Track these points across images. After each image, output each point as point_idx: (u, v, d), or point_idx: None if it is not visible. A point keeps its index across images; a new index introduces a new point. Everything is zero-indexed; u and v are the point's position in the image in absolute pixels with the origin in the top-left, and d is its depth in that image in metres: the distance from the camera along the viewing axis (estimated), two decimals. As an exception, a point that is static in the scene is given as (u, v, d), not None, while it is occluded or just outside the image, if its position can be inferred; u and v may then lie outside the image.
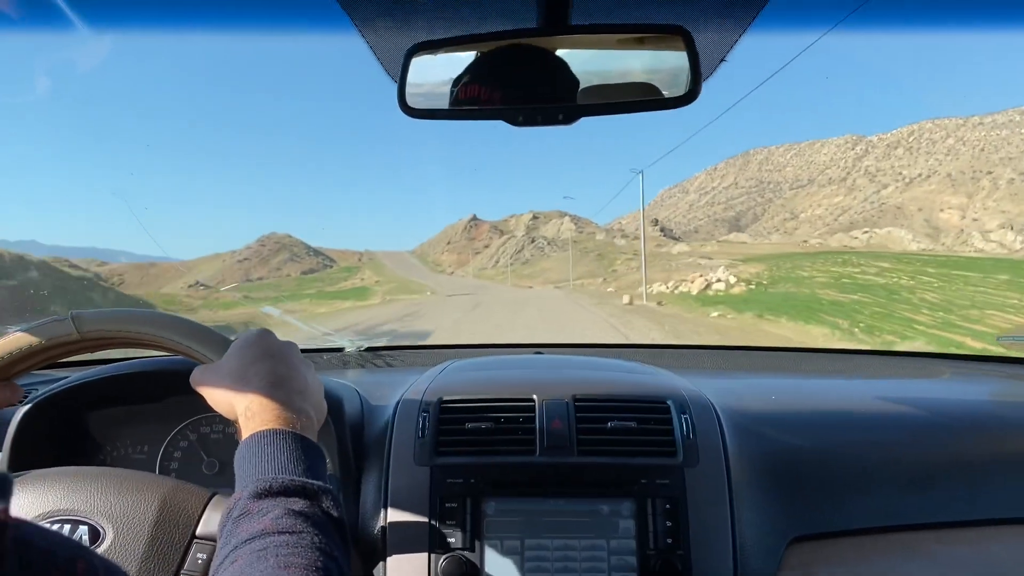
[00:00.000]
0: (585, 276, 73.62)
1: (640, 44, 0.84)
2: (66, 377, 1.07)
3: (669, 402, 1.06)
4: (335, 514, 0.61)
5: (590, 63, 0.84)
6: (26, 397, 1.02)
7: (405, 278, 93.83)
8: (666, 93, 0.82)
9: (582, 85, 0.83)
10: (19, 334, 0.78)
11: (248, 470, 0.61)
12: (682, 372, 1.26)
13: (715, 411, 1.07)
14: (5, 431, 0.98)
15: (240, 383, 0.67)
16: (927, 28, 1.07)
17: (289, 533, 0.55)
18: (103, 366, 1.09)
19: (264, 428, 0.63)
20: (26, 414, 0.99)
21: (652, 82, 0.84)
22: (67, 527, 0.71)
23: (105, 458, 1.12)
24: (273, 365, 0.69)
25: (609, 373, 1.22)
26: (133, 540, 0.70)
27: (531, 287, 69.92)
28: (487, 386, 1.12)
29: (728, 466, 1.00)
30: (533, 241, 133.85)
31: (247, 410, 0.65)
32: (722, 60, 1.01)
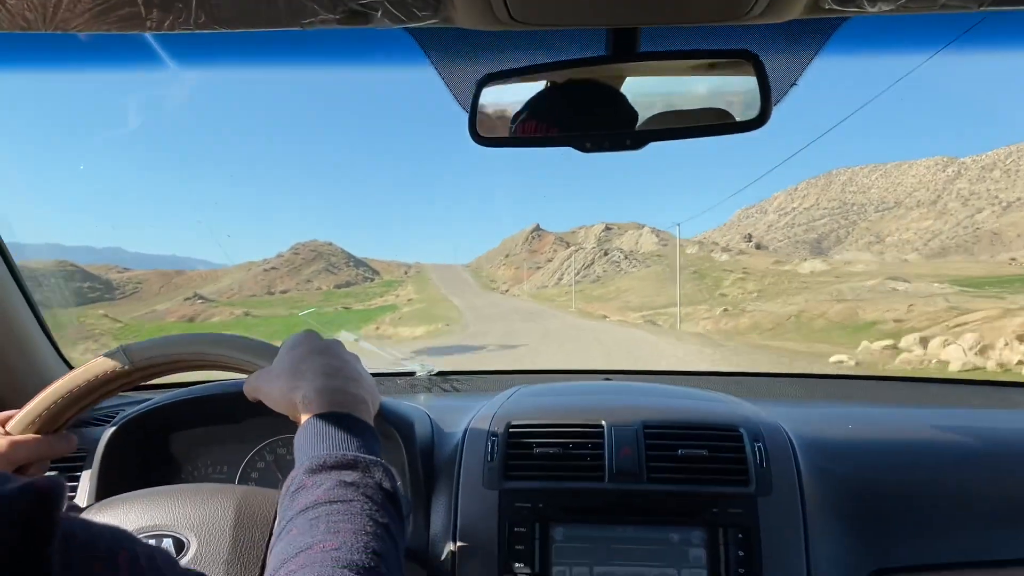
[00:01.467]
0: (683, 301, 47.57)
1: (709, 70, 0.84)
2: (149, 399, 1.12)
3: (742, 430, 1.05)
4: (387, 486, 0.62)
5: (658, 89, 0.84)
6: (112, 419, 1.08)
7: (443, 297, 74.86)
8: (736, 118, 0.82)
9: (650, 111, 0.84)
10: (74, 373, 0.82)
11: (304, 450, 0.64)
12: (757, 400, 1.24)
13: (789, 439, 1.05)
14: (94, 451, 1.04)
15: (295, 378, 0.70)
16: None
17: (341, 502, 0.57)
18: (183, 389, 1.14)
19: (320, 411, 0.66)
20: (112, 436, 1.04)
21: (721, 107, 0.84)
22: (152, 542, 0.73)
23: (186, 478, 1.17)
24: (325, 359, 0.72)
25: (680, 400, 1.21)
26: (217, 545, 0.74)
27: (606, 317, 43.59)
28: (555, 411, 1.12)
29: (803, 495, 0.98)
30: (606, 254, 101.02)
31: (303, 399, 0.68)
32: (792, 84, 1.00)
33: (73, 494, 1.04)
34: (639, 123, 0.84)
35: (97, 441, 1.05)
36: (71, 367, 1.38)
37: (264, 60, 1.03)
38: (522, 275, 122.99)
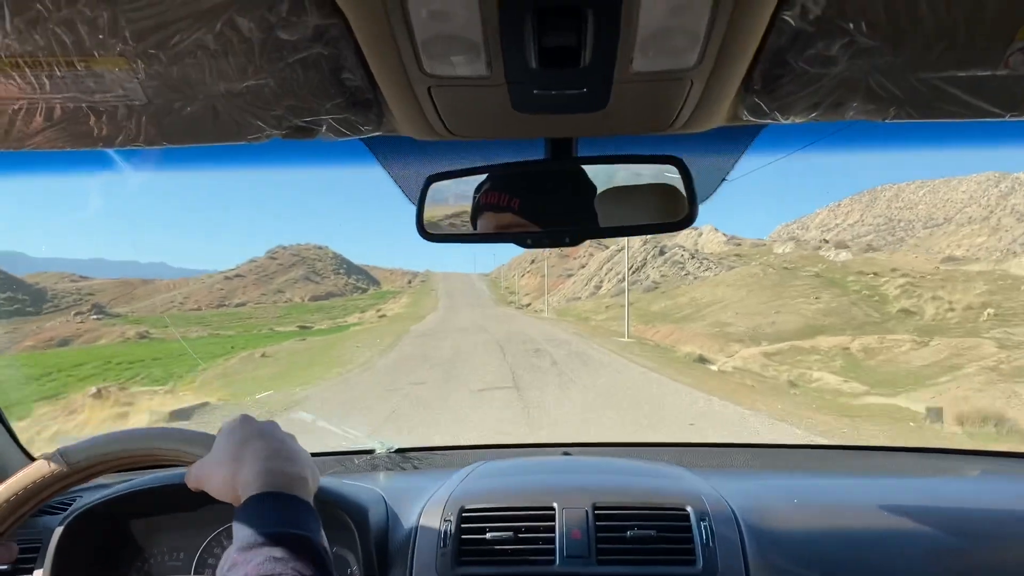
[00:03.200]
0: (831, 326, 28.00)
1: (641, 172, 0.89)
2: (107, 487, 1.13)
3: (689, 509, 1.07)
4: (317, 558, 0.64)
5: (593, 188, 0.89)
6: (67, 507, 1.10)
7: (418, 313, 55.61)
8: (665, 218, 0.86)
9: (587, 210, 0.88)
10: (9, 483, 0.80)
11: (240, 529, 0.65)
12: (707, 473, 1.28)
13: (736, 517, 1.08)
14: (47, 543, 1.04)
15: (234, 465, 0.71)
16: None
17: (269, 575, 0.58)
18: (140, 478, 1.14)
19: (257, 492, 0.68)
20: (64, 532, 1.05)
21: (652, 207, 0.89)
22: None
23: (143, 565, 1.16)
24: (262, 443, 0.73)
25: (630, 478, 1.24)
26: None
27: (704, 361, 19.14)
28: (507, 493, 1.15)
29: (748, 574, 1.01)
30: (662, 253, 69.24)
31: (243, 483, 0.69)
32: (723, 180, 1.08)
33: None
34: (576, 221, 0.89)
35: (50, 531, 1.05)
36: (32, 458, 1.33)
37: (219, 164, 1.08)
38: (554, 284, 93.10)
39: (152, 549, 1.17)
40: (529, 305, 76.69)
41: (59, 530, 1.04)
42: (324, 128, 0.72)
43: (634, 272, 67.21)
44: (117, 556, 1.15)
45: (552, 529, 1.05)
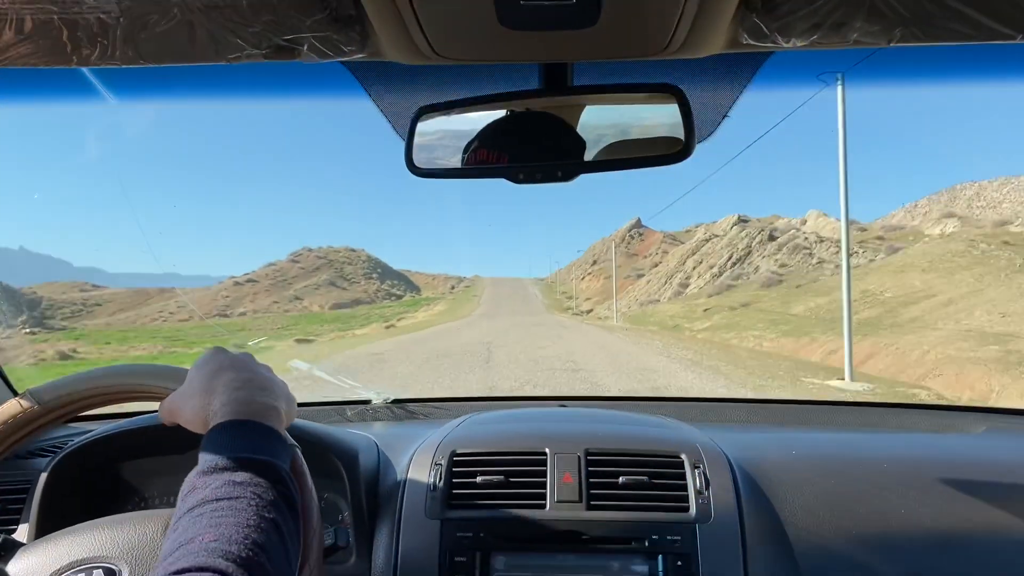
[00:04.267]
0: None
1: (638, 103, 0.87)
2: (92, 430, 1.11)
3: (682, 456, 1.07)
4: (279, 483, 0.62)
5: (589, 121, 0.87)
6: (59, 449, 1.08)
7: (438, 323, 43.78)
8: (662, 151, 0.84)
9: (582, 143, 0.86)
10: None
11: (203, 455, 0.64)
12: (704, 426, 1.27)
13: (731, 465, 1.07)
14: (36, 484, 1.03)
15: (206, 396, 0.70)
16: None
17: (228, 499, 0.57)
18: (130, 419, 1.13)
19: (224, 420, 0.67)
20: (50, 475, 1.04)
21: (649, 139, 0.87)
22: (82, 575, 0.73)
23: (132, 511, 1.10)
24: (234, 373, 0.72)
25: (623, 427, 1.23)
26: (148, 569, 0.73)
27: None
28: (500, 439, 1.14)
29: (742, 522, 1.00)
30: (774, 239, 53.83)
31: (212, 413, 0.68)
32: (724, 116, 1.05)
33: (14, 528, 1.03)
34: (569, 155, 0.86)
35: (39, 474, 1.05)
36: (15, 392, 1.34)
37: (204, 92, 1.06)
38: (622, 284, 71.71)
39: (143, 492, 1.16)
40: (591, 311, 62.01)
41: (44, 475, 1.03)
42: (306, 48, 0.69)
43: (734, 265, 55.53)
44: (108, 503, 1.14)
45: (543, 474, 1.05)
